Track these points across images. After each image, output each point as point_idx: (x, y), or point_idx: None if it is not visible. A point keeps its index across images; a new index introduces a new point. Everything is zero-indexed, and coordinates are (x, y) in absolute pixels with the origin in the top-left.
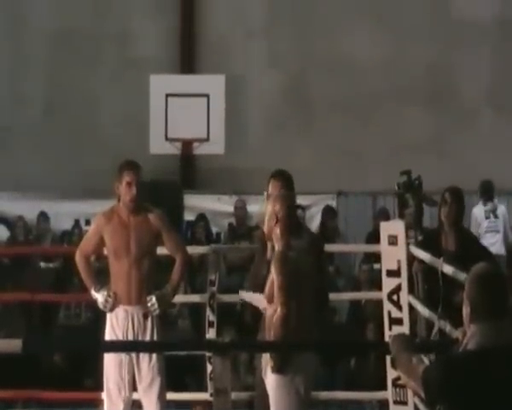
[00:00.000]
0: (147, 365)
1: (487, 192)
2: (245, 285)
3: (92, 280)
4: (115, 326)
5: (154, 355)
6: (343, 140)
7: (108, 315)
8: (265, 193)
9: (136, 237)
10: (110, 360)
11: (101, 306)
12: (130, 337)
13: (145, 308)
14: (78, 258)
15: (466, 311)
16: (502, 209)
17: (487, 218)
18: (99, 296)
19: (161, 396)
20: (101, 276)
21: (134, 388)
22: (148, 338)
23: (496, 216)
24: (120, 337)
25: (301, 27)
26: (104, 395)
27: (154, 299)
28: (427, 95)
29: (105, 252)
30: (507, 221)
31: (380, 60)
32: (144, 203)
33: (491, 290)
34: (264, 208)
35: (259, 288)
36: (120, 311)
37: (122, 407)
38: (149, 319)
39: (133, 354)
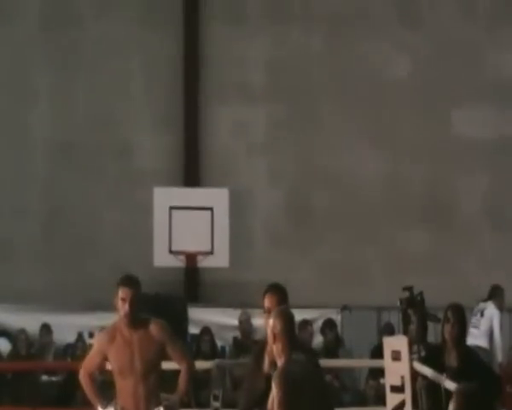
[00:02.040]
0: None
1: (489, 294)
2: (239, 401)
3: (98, 397)
4: None
5: None
6: (345, 255)
7: None
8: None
9: (141, 353)
10: None
11: None
12: None
13: None
14: (82, 376)
15: None
16: (491, 311)
17: (475, 315)
18: None
19: None
20: (106, 388)
21: None
22: None
23: (482, 315)
24: None
25: (302, 144)
26: None
27: None
28: (426, 211)
29: (108, 367)
30: (495, 323)
31: (380, 176)
32: (143, 316)
33: None
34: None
35: (256, 403)
36: None
37: None
38: None
39: None
